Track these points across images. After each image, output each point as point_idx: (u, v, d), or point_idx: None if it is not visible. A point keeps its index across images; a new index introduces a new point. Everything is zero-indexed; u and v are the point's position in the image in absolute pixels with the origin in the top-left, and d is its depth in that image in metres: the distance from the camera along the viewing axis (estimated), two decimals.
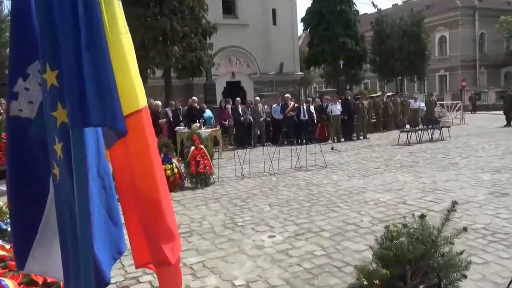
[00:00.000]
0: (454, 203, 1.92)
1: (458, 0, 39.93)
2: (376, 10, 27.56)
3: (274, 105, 14.18)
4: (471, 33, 39.39)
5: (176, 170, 7.26)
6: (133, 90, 1.45)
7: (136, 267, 1.65)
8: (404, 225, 1.85)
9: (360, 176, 7.91)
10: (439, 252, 1.74)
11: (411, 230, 1.78)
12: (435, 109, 19.93)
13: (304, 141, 13.76)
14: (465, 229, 1.96)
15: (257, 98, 14.81)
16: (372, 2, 42.86)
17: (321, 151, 9.97)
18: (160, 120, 11.65)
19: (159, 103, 12.24)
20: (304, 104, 14.11)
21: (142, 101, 1.50)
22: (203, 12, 15.87)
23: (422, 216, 1.85)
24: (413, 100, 19.40)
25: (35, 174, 1.58)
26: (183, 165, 7.56)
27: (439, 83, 41.28)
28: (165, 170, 7.12)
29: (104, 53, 1.29)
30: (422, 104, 20.88)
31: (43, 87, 1.43)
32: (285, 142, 13.43)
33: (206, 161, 7.54)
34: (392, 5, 44.64)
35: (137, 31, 14.14)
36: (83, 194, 1.34)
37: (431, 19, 36.56)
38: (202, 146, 7.61)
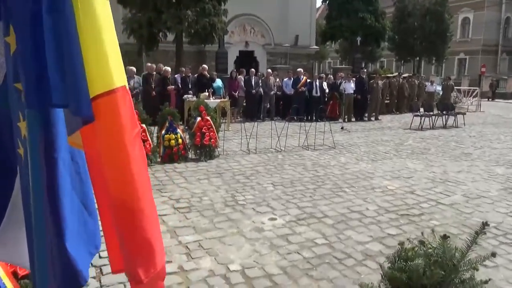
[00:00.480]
0: (484, 224, 1.68)
1: None
2: None
3: (286, 79, 13.78)
4: (497, 16, 37.81)
5: (180, 140, 7.08)
6: (106, 65, 1.14)
7: (113, 273, 1.43)
8: (422, 243, 1.62)
9: (368, 160, 7.68)
10: (460, 279, 1.52)
11: (430, 250, 1.55)
12: (452, 94, 19.36)
13: (314, 118, 13.45)
14: (493, 254, 1.72)
15: (269, 70, 14.41)
16: None
17: (331, 130, 9.70)
18: (168, 87, 11.41)
19: (169, 68, 11.95)
20: (317, 80, 13.70)
21: (118, 80, 1.19)
22: None
23: (445, 237, 1.61)
24: (429, 83, 18.83)
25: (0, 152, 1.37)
26: (187, 135, 7.37)
27: (457, 66, 40.08)
28: (169, 140, 6.96)
29: (69, 18, 1.05)
30: (439, 88, 20.30)
31: (6, 52, 1.20)
32: (295, 118, 13.16)
33: (211, 133, 7.34)
34: None
35: None
36: (37, 186, 1.14)
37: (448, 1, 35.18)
38: (208, 118, 7.39)
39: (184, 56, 17.33)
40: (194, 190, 5.47)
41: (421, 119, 12.43)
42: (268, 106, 13.59)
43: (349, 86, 13.43)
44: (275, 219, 4.52)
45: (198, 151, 7.24)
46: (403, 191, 5.69)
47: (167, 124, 7.06)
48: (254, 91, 13.05)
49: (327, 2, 25.48)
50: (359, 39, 22.09)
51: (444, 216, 4.75)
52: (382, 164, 7.39)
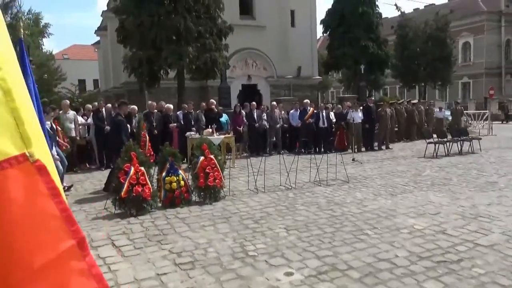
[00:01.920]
0: None
1: (483, 5, 38.55)
2: (399, 13, 26.41)
3: (292, 111, 13.39)
4: (497, 39, 37.97)
5: (182, 182, 6.54)
6: None
7: None
8: None
9: (387, 195, 7.07)
10: None
11: None
12: (462, 118, 18.86)
13: (322, 150, 12.94)
14: None
15: (274, 103, 14.03)
16: (396, 4, 41.42)
17: (342, 162, 9.15)
18: (170, 125, 11.01)
19: (171, 106, 11.60)
20: (324, 111, 13.27)
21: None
22: (219, 12, 15.21)
23: None
24: (437, 109, 18.40)
25: None
26: (190, 176, 6.84)
27: (461, 90, 39.88)
28: (171, 183, 6.42)
29: None
30: (448, 113, 19.84)
31: None
32: (302, 151, 12.66)
33: (216, 173, 6.80)
34: (413, 10, 43.39)
35: (149, 29, 13.57)
36: None
37: (455, 24, 35.26)
38: (212, 156, 6.88)
39: (187, 92, 17.15)
40: (198, 240, 4.87)
41: (435, 146, 11.86)
42: (274, 139, 13.12)
43: (357, 115, 12.98)
44: (291, 273, 3.90)
45: (202, 193, 6.69)
46: (432, 231, 5.05)
47: (167, 166, 6.55)
48: (257, 124, 12.62)
49: (328, 32, 25.54)
50: (363, 67, 21.91)
51: (487, 261, 4.10)
52: (402, 198, 6.77)
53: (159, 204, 6.42)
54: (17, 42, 4.51)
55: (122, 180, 5.93)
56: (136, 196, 5.93)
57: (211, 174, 6.69)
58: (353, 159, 11.15)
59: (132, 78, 15.79)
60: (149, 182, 6.17)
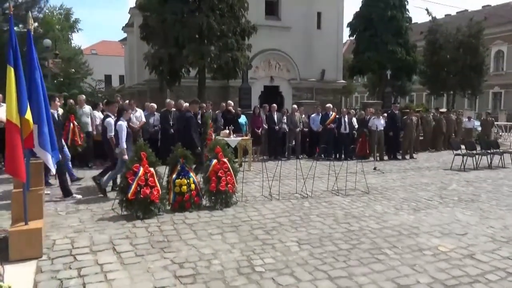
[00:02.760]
0: None
1: None
2: (430, 18, 25.50)
3: (313, 115, 12.99)
4: None
5: (193, 186, 6.27)
6: None
7: None
8: None
9: (409, 210, 6.61)
10: None
11: None
12: (492, 129, 18.00)
13: (343, 157, 12.49)
14: None
15: (295, 106, 13.66)
16: (427, 9, 40.11)
17: (363, 171, 8.73)
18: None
19: (188, 104, 11.37)
20: (346, 116, 12.81)
21: None
22: (243, 11, 14.93)
23: None
24: (466, 119, 17.61)
25: None
26: (202, 180, 6.57)
27: (492, 100, 38.36)
28: (181, 186, 6.16)
29: None
30: (477, 123, 18.98)
31: None
32: (322, 156, 12.25)
33: (228, 177, 6.51)
34: (445, 15, 42.07)
35: (172, 27, 13.42)
36: None
37: (488, 32, 33.78)
38: (225, 160, 6.59)
39: (208, 91, 16.95)
40: (203, 250, 4.58)
41: (463, 158, 11.24)
42: (294, 143, 12.75)
43: (379, 123, 12.45)
44: None
45: (213, 197, 6.40)
46: (459, 255, 4.60)
47: (178, 168, 6.30)
48: (277, 127, 12.29)
49: (355, 35, 24.90)
50: (389, 72, 21.19)
51: None
52: (426, 215, 6.30)
53: (168, 207, 6.17)
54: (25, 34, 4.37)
55: (130, 181, 5.71)
56: (144, 198, 5.69)
57: (223, 178, 6.41)
58: (374, 168, 10.68)
59: (154, 75, 15.70)
60: (158, 184, 5.92)
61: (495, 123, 19.29)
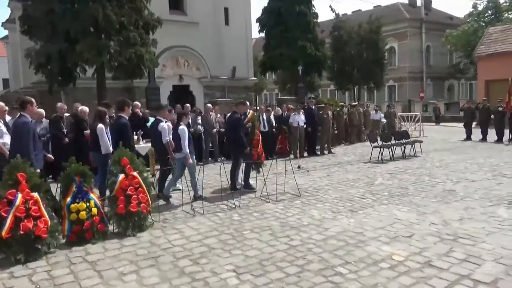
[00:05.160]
0: None
1: (406, 12, 40.58)
2: (334, 15, 26.39)
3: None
4: (418, 45, 40.09)
5: (94, 210, 4.95)
6: None
7: None
8: None
9: (346, 212, 6.09)
10: None
11: None
12: (395, 120, 19.01)
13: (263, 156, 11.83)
14: None
15: (209, 105, 12.65)
16: (330, 6, 42.03)
17: (286, 170, 8.11)
18: (86, 131, 9.14)
19: (86, 109, 9.67)
20: (264, 114, 12.19)
21: None
22: (145, 2, 13.46)
23: None
24: (374, 111, 18.32)
25: None
26: (106, 201, 5.27)
27: (388, 93, 41.56)
28: (78, 212, 4.81)
29: None
30: (382, 115, 19.91)
31: None
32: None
33: (141, 194, 5.31)
34: (342, 14, 44.53)
35: (61, 18, 11.46)
36: None
37: (382, 30, 36.59)
38: (135, 173, 5.37)
39: (109, 93, 15.08)
40: None
41: (380, 150, 11.35)
42: (211, 145, 11.76)
43: (300, 119, 12.06)
44: None
45: (122, 222, 5.15)
46: (417, 263, 4.08)
47: (74, 188, 4.93)
48: (192, 129, 11.17)
49: (264, 31, 24.64)
50: (301, 68, 21.29)
51: None
52: (365, 216, 5.82)
53: (62, 241, 4.77)
54: None
55: (3, 214, 4.23)
56: (26, 235, 4.26)
57: (134, 196, 5.19)
58: (298, 167, 10.18)
59: (42, 76, 13.44)
60: (45, 213, 4.51)
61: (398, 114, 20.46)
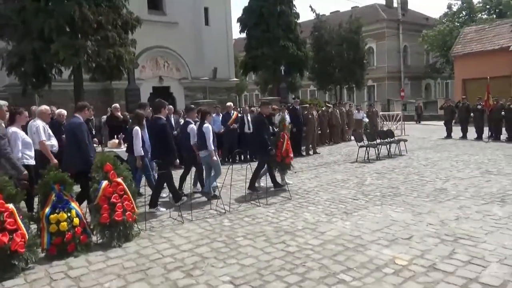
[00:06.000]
0: None
1: (384, 13, 41.11)
2: (314, 15, 26.37)
3: (214, 115, 11.80)
4: (396, 45, 40.66)
5: (76, 220, 4.60)
6: None
7: None
8: None
9: (341, 214, 5.91)
10: None
11: None
12: (377, 119, 19.12)
13: (248, 157, 11.62)
14: None
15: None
16: (310, 6, 41.94)
17: (285, 172, 7.93)
18: (63, 135, 8.68)
19: (63, 112, 9.21)
20: (249, 114, 11.95)
21: None
22: (124, 1, 13.01)
23: None
24: (356, 111, 18.37)
25: None
26: (89, 210, 4.92)
27: (367, 93, 41.98)
28: (58, 223, 4.45)
29: None
30: (365, 115, 19.99)
31: None
32: (226, 160, 11.17)
33: (126, 202, 4.98)
34: (331, 13, 44.74)
35: (34, 17, 10.93)
36: None
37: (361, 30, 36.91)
38: (120, 180, 5.04)
39: (87, 95, 14.52)
40: None
41: (366, 149, 11.29)
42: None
43: (286, 119, 11.85)
44: None
45: (106, 231, 4.81)
46: (421, 267, 3.93)
47: (53, 198, 4.56)
48: (175, 132, 10.82)
49: (245, 31, 24.38)
50: (283, 68, 21.15)
51: None
52: (361, 219, 5.65)
53: (42, 255, 4.41)
54: None
55: None
56: (0, 250, 3.89)
57: (119, 204, 4.86)
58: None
59: (15, 78, 12.80)
60: (22, 226, 4.14)
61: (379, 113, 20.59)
